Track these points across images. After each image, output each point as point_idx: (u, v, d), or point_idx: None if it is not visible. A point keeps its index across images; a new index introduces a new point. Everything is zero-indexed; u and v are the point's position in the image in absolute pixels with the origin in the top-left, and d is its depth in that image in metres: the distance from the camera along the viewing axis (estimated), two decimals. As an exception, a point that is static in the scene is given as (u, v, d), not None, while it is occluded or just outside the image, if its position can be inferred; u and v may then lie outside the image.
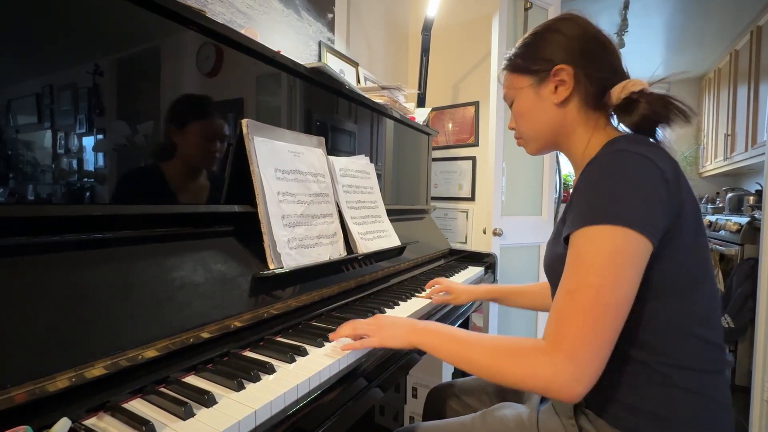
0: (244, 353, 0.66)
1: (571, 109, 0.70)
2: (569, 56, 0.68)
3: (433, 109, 2.30)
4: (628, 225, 0.53)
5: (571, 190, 0.69)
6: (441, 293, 1.09)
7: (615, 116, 0.70)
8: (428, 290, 1.14)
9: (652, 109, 0.62)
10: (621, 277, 0.53)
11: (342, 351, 0.67)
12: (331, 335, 0.71)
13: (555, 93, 0.69)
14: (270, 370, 0.59)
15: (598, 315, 0.53)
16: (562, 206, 2.40)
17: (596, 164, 0.61)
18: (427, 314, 1.01)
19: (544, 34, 0.71)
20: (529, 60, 0.72)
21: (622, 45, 3.30)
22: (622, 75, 0.69)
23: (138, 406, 0.50)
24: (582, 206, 0.58)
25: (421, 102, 2.04)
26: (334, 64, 1.66)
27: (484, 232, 2.06)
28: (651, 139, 0.65)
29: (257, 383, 0.56)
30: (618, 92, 0.65)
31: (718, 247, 2.66)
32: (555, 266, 0.67)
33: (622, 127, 0.70)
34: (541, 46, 0.71)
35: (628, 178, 0.56)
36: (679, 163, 0.62)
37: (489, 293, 1.11)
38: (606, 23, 3.30)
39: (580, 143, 0.71)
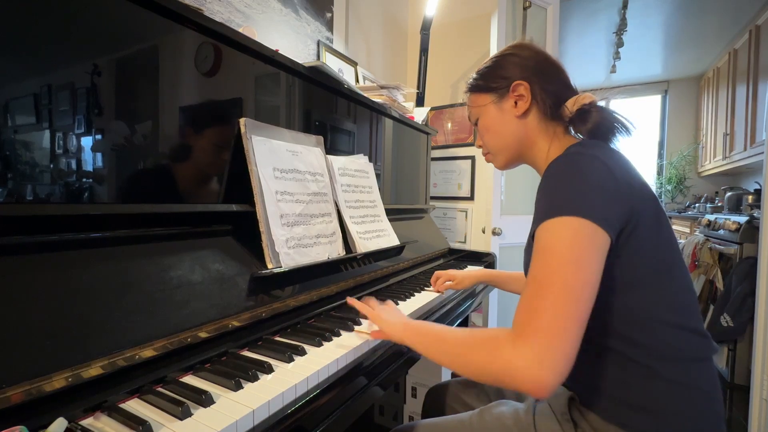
0: (242, 353, 0.66)
1: (531, 120, 0.76)
2: (525, 73, 0.75)
3: (432, 109, 2.30)
4: (583, 215, 0.57)
5: None
6: (446, 282, 1.15)
7: (571, 127, 0.75)
8: (426, 286, 1.17)
9: (603, 116, 0.69)
10: (581, 260, 0.55)
11: (339, 351, 0.67)
12: (350, 300, 0.81)
13: (515, 107, 0.76)
14: (268, 369, 0.59)
15: (561, 298, 0.53)
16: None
17: (552, 166, 0.66)
18: (427, 312, 1.01)
19: (501, 58, 0.79)
20: (489, 79, 0.79)
21: (621, 44, 3.31)
22: (573, 90, 0.77)
23: (135, 406, 0.49)
24: (541, 204, 0.63)
25: (420, 101, 2.04)
26: (333, 64, 1.66)
27: (483, 232, 2.06)
28: (605, 144, 0.70)
29: (255, 383, 0.55)
30: (571, 104, 0.72)
31: (717, 246, 2.67)
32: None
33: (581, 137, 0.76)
34: (498, 67, 0.78)
35: (579, 175, 0.61)
36: (628, 159, 0.68)
37: (487, 276, 1.19)
38: (605, 23, 3.30)
39: (541, 152, 0.77)
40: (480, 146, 0.86)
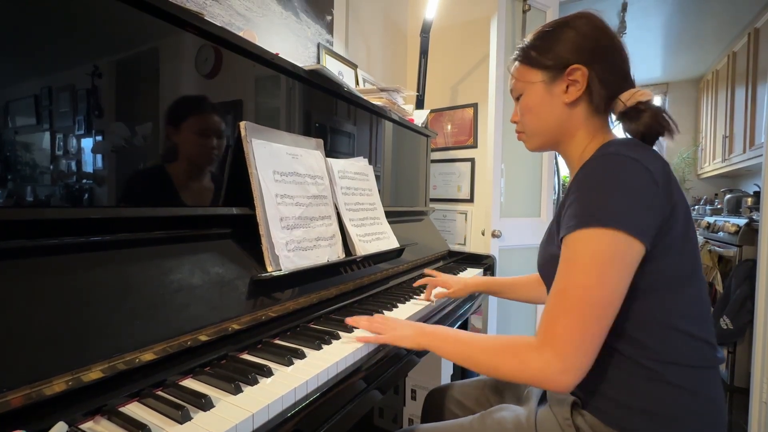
0: (241, 356, 0.66)
1: (578, 110, 0.71)
2: (584, 56, 0.68)
3: (432, 111, 2.30)
4: (618, 227, 0.56)
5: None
6: (439, 290, 1.11)
7: (619, 122, 0.70)
8: (424, 290, 1.14)
9: (656, 120, 0.64)
10: (607, 276, 0.56)
11: (339, 354, 0.67)
12: (348, 320, 0.79)
13: (566, 92, 0.70)
14: (268, 373, 0.59)
15: (584, 313, 0.56)
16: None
17: (588, 167, 0.62)
18: (425, 316, 1.01)
19: (561, 30, 0.71)
20: (544, 54, 0.71)
21: (621, 47, 3.31)
22: (630, 82, 0.70)
23: (135, 409, 0.50)
24: (575, 209, 0.60)
25: (419, 104, 2.04)
26: (333, 66, 1.66)
27: (483, 234, 2.06)
28: (644, 144, 0.67)
29: (255, 386, 0.55)
30: (626, 98, 0.66)
31: (716, 248, 2.67)
32: (549, 266, 0.69)
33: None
34: (556, 41, 0.70)
35: (618, 182, 0.58)
36: (670, 165, 0.64)
37: (483, 285, 1.14)
38: (604, 25, 3.30)
39: (578, 146, 0.73)
40: (515, 122, 0.80)
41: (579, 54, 0.68)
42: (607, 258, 0.56)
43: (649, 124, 0.65)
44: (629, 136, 0.68)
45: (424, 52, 2.03)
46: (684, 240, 0.61)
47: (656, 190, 0.58)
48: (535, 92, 0.73)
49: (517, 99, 0.78)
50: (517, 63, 0.76)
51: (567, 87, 0.69)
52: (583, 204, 0.59)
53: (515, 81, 0.77)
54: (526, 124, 0.76)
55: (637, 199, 0.57)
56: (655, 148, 0.67)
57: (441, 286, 1.11)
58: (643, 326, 0.61)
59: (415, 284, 1.15)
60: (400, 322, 0.77)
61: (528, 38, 0.75)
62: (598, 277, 0.56)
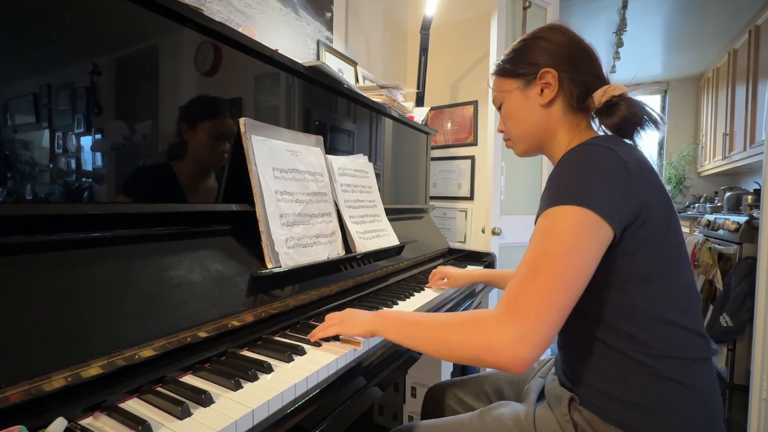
0: (241, 352, 0.66)
1: (555, 110, 0.74)
2: (554, 61, 0.72)
3: (432, 109, 2.30)
4: (588, 206, 0.57)
5: None
6: (441, 280, 1.17)
7: (597, 119, 0.73)
8: (424, 286, 1.18)
9: (632, 111, 0.66)
10: (577, 250, 0.56)
11: (339, 351, 0.67)
12: (310, 336, 0.72)
13: (541, 95, 0.74)
14: (268, 369, 0.59)
15: (551, 282, 0.54)
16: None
17: (566, 156, 0.65)
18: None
19: (532, 41, 0.76)
20: (517, 64, 0.76)
21: (621, 44, 3.31)
22: (603, 80, 0.73)
23: (134, 405, 0.49)
24: (549, 191, 0.62)
25: (419, 101, 2.04)
26: (333, 63, 1.66)
27: (483, 232, 2.06)
28: (625, 140, 0.69)
29: (255, 383, 0.55)
30: (600, 95, 0.69)
31: (716, 246, 2.67)
32: None
33: (604, 131, 0.74)
34: (528, 51, 0.75)
35: (591, 167, 0.60)
36: (648, 159, 0.66)
37: (483, 276, 1.19)
38: (604, 23, 3.30)
39: (561, 144, 0.75)
40: (501, 131, 0.84)
41: (549, 59, 0.72)
42: (578, 232, 0.57)
43: (626, 115, 0.66)
44: (609, 133, 0.71)
45: (424, 50, 2.02)
46: (666, 231, 0.62)
47: (629, 180, 0.59)
48: (513, 99, 0.78)
49: (499, 108, 0.82)
50: (494, 76, 0.82)
51: (541, 90, 0.73)
52: (558, 185, 0.62)
53: (495, 93, 0.82)
54: (510, 129, 0.81)
55: (609, 185, 0.59)
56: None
57: (443, 276, 1.17)
58: (632, 319, 0.62)
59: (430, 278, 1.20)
60: (354, 312, 0.73)
61: (504, 53, 0.80)
62: (569, 250, 0.56)
